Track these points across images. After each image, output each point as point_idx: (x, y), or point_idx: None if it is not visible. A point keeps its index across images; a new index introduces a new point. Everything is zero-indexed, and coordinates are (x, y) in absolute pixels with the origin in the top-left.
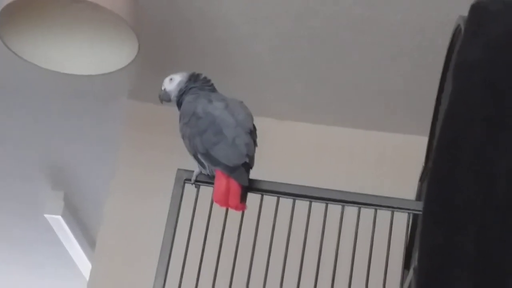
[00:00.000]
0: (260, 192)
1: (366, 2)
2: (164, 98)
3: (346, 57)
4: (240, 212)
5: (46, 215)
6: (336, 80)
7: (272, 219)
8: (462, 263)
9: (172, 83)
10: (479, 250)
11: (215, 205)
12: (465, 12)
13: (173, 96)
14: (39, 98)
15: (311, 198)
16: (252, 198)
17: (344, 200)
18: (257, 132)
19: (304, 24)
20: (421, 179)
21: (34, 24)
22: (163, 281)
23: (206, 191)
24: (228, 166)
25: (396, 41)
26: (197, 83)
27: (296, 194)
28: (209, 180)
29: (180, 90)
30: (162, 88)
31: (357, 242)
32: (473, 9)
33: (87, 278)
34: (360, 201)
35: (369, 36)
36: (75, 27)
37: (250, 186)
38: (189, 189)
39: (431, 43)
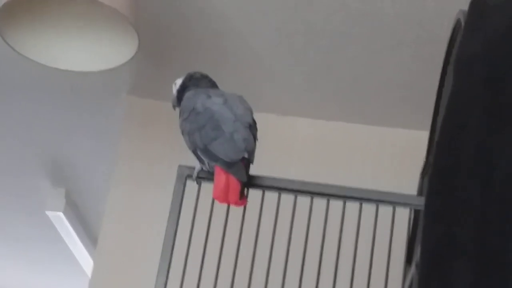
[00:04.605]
0: (261, 188)
1: None
2: (174, 103)
3: (344, 51)
4: (241, 208)
5: (47, 212)
6: (334, 74)
7: (273, 215)
8: (463, 257)
9: (175, 87)
10: (479, 244)
11: (217, 201)
12: (463, 3)
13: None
14: (39, 94)
15: (313, 193)
16: (253, 194)
17: (345, 195)
18: (257, 127)
19: (302, 18)
20: (423, 174)
21: (34, 20)
22: (165, 278)
23: (208, 187)
24: (226, 162)
25: (394, 34)
26: (192, 81)
27: (297, 189)
28: (210, 176)
29: (179, 91)
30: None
31: (359, 237)
32: (473, 3)
33: (89, 275)
34: (361, 196)
35: (367, 29)
36: (75, 23)
37: (251, 182)
38: (191, 185)
39: (429, 35)
